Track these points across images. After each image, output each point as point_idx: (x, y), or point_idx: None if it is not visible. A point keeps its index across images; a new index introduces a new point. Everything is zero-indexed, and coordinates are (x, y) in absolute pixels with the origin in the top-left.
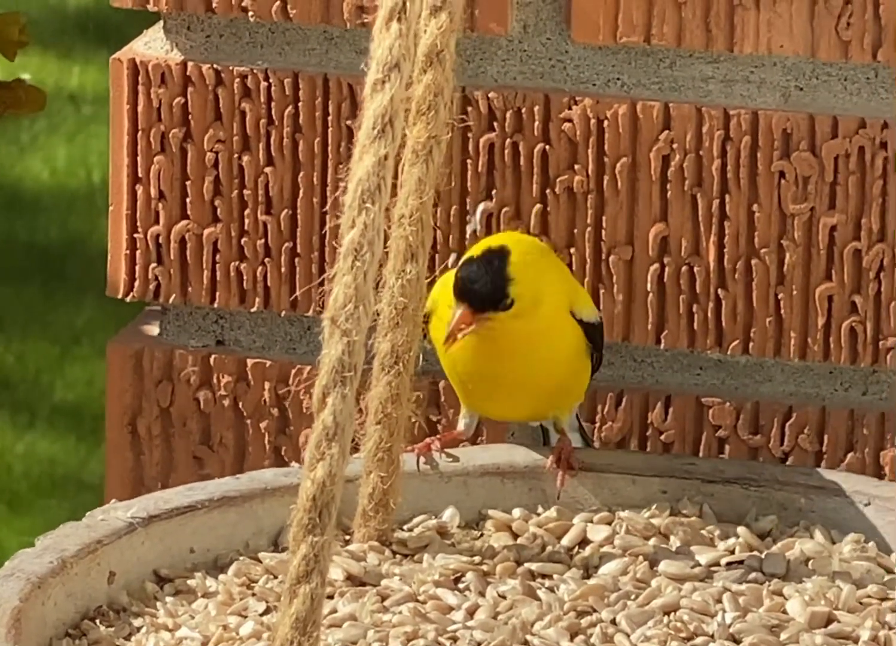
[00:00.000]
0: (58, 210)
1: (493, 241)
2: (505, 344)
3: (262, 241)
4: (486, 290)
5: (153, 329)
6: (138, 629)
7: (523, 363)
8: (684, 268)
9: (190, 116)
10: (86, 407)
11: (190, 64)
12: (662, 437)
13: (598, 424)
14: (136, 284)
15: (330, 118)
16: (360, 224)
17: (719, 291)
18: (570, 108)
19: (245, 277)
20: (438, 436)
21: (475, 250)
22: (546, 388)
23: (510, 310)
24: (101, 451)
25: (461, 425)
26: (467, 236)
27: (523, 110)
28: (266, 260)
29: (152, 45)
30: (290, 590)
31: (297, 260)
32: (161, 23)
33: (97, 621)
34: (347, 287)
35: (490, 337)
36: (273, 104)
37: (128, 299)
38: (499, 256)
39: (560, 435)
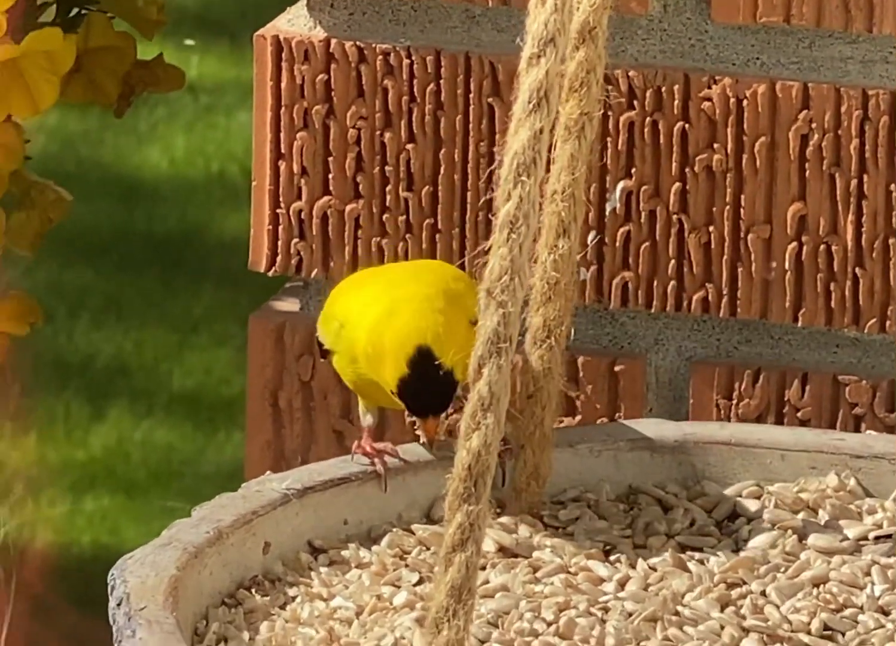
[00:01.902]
0: (176, 200)
1: (403, 337)
2: None
3: (404, 217)
4: (443, 401)
5: (293, 305)
6: (293, 599)
7: None
8: (822, 247)
9: (333, 93)
10: (203, 395)
11: (333, 41)
12: (799, 414)
13: (735, 402)
14: (279, 259)
15: (471, 96)
16: (515, 197)
17: (857, 269)
18: (709, 88)
19: (386, 253)
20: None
21: (396, 359)
22: None
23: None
24: (218, 438)
25: (367, 421)
26: (606, 214)
27: (663, 89)
28: (407, 236)
29: (295, 23)
30: (445, 558)
31: (437, 236)
32: (304, 0)
33: (252, 591)
34: (503, 259)
35: None
36: (415, 82)
37: (270, 274)
38: (430, 362)
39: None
